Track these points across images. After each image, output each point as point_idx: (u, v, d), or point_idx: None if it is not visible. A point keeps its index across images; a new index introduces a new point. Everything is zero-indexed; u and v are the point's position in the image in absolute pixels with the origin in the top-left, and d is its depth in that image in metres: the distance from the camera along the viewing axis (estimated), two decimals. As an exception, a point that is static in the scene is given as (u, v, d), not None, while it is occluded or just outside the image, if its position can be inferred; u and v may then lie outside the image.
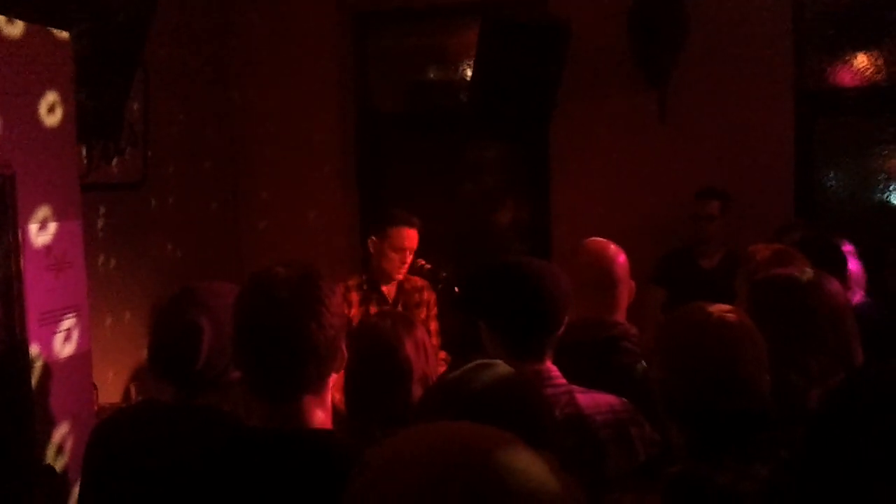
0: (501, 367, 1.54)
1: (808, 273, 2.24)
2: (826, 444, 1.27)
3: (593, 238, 2.73)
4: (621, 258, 2.65)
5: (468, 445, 0.82)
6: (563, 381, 2.14)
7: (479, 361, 1.54)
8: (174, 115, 4.52)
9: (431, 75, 5.41)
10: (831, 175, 4.98)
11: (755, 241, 3.22)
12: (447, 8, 5.09)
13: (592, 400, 2.12)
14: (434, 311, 4.09)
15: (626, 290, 2.64)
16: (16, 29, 2.41)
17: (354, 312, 3.91)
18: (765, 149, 4.76)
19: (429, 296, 4.10)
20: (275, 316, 1.69)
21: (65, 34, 2.64)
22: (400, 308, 4.00)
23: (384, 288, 4.04)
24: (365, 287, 4.02)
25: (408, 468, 0.80)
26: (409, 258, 3.98)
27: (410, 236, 3.95)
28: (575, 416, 2.07)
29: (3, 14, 2.38)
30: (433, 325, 4.04)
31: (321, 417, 1.74)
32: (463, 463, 0.80)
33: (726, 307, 1.90)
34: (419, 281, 4.10)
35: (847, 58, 4.81)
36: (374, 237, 4.02)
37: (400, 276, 4.02)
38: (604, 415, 2.11)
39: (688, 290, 3.73)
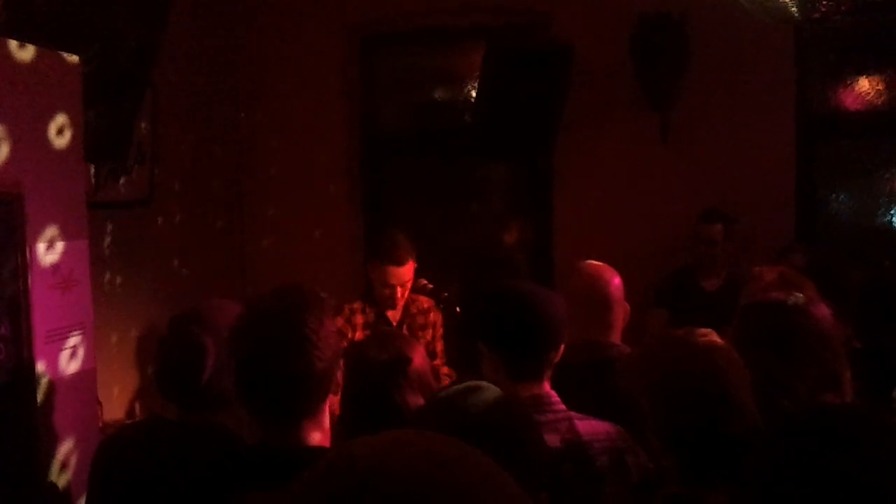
0: (491, 390, 1.57)
1: (797, 297, 2.27)
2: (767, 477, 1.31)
3: (588, 261, 2.76)
4: (616, 280, 2.68)
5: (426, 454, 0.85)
6: (563, 406, 2.17)
7: (469, 383, 1.57)
8: (182, 135, 4.57)
9: (436, 97, 5.46)
10: (832, 198, 5.00)
11: (756, 264, 3.24)
12: (452, 31, 5.15)
13: (591, 427, 2.15)
14: (440, 331, 3.99)
15: (621, 313, 2.67)
16: (27, 53, 2.46)
17: (359, 335, 3.83)
18: (766, 171, 4.79)
19: (435, 317, 4.02)
20: (270, 350, 1.73)
21: (75, 58, 2.70)
22: (405, 330, 3.90)
23: (389, 312, 3.96)
24: (367, 311, 3.95)
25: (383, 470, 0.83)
26: (403, 290, 3.86)
27: (396, 274, 3.80)
28: (575, 443, 2.09)
29: (14, 38, 2.44)
30: (439, 346, 4.01)
31: (318, 438, 1.77)
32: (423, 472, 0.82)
33: (707, 331, 1.93)
34: (425, 302, 4.04)
35: (848, 81, 4.84)
36: (367, 265, 3.96)
37: (399, 305, 3.92)
38: (602, 442, 2.13)
39: (690, 312, 3.75)
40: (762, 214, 4.73)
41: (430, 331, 4.03)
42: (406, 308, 3.99)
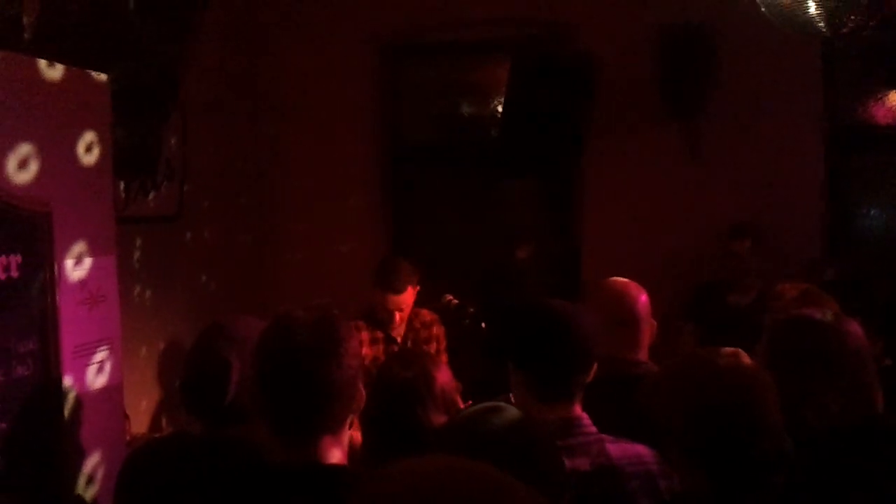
0: (511, 411, 1.56)
1: (829, 314, 2.24)
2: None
3: (614, 277, 2.75)
4: (643, 297, 2.66)
5: (457, 479, 0.86)
6: (594, 429, 2.13)
7: (489, 404, 1.56)
8: (210, 151, 4.61)
9: (462, 110, 5.47)
10: (863, 212, 4.95)
11: (787, 278, 3.22)
12: (477, 43, 5.16)
13: (622, 450, 2.11)
14: (444, 344, 4.13)
15: (647, 329, 2.64)
16: (56, 72, 2.49)
17: (366, 352, 3.94)
18: (795, 185, 4.75)
19: (438, 330, 4.14)
20: (296, 360, 1.72)
21: (103, 76, 2.72)
22: (409, 345, 4.05)
23: (392, 329, 4.09)
24: (372, 327, 4.07)
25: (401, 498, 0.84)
26: (402, 315, 4.02)
27: (393, 301, 3.96)
28: (606, 467, 2.06)
29: (43, 58, 2.47)
30: (443, 359, 4.05)
31: (338, 456, 1.77)
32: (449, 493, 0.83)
33: (734, 350, 1.91)
34: (428, 315, 4.15)
35: (877, 94, 4.79)
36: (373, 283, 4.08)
37: (398, 329, 4.07)
38: (634, 466, 2.09)
39: (720, 327, 3.72)
40: (792, 228, 4.69)
41: (434, 344, 4.13)
42: (409, 322, 4.12)
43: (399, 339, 4.10)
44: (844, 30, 2.54)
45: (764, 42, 4.49)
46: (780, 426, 1.82)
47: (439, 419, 2.08)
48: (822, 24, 2.58)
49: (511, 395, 2.22)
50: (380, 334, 4.08)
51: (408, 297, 4.00)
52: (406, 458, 0.91)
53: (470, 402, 2.23)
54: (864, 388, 2.12)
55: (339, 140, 5.32)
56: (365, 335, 4.02)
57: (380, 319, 4.06)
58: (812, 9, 2.62)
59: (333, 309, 1.82)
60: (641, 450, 2.14)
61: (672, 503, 2.07)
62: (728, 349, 1.89)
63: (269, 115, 5.30)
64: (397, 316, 4.01)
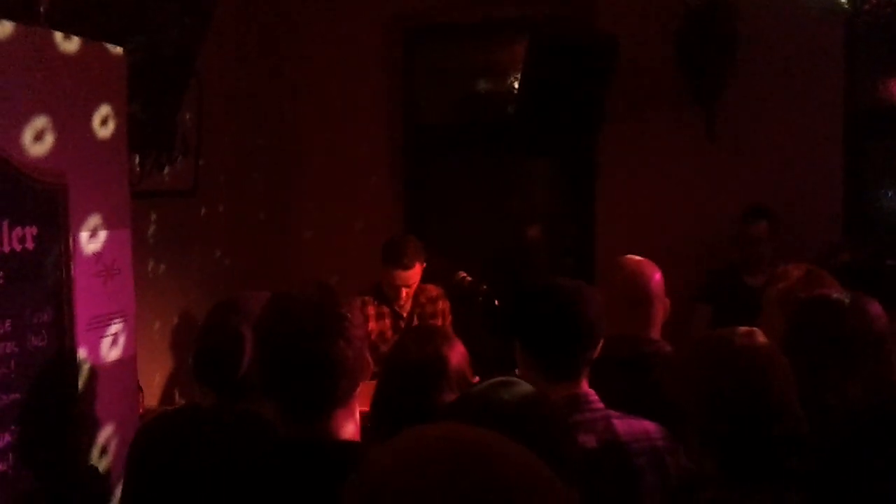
0: (522, 385, 1.56)
1: (850, 295, 2.23)
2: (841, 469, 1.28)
3: (629, 255, 2.74)
4: (657, 276, 2.65)
5: (463, 443, 0.86)
6: (601, 405, 2.13)
7: (500, 378, 1.56)
8: (226, 126, 4.61)
9: (479, 89, 5.45)
10: (881, 194, 4.91)
11: (803, 261, 3.19)
12: (495, 23, 5.13)
13: (629, 427, 2.11)
14: (449, 319, 4.18)
15: (661, 308, 2.64)
16: (72, 45, 2.49)
17: (372, 326, 4.02)
18: (813, 167, 4.71)
19: (443, 305, 4.20)
20: (303, 337, 1.70)
21: (119, 49, 2.72)
22: (416, 320, 4.13)
23: (397, 304, 4.17)
24: (378, 302, 4.14)
25: (408, 468, 0.84)
26: (408, 290, 4.11)
27: (401, 277, 4.05)
28: (613, 443, 2.06)
29: (60, 30, 2.47)
30: None
31: (351, 430, 1.77)
32: (459, 461, 0.83)
33: (751, 330, 1.89)
34: (433, 290, 4.22)
35: (898, 77, 4.74)
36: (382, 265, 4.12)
37: (404, 304, 4.16)
38: (640, 442, 2.10)
39: (734, 308, 3.70)
40: (809, 211, 4.66)
41: (440, 319, 4.19)
42: (415, 297, 4.20)
43: (405, 315, 4.14)
44: (867, 6, 2.51)
45: (786, 23, 4.44)
46: (795, 408, 1.81)
47: (453, 398, 2.08)
48: (844, 2, 2.55)
49: (516, 371, 2.22)
50: (386, 309, 4.14)
51: (415, 273, 4.07)
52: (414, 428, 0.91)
53: (477, 378, 2.23)
54: (885, 369, 2.10)
55: (355, 119, 5.31)
56: (371, 310, 4.07)
57: (386, 295, 4.10)
58: (835, -14, 2.59)
59: (330, 284, 1.80)
60: (648, 426, 2.14)
61: (685, 484, 2.06)
62: (744, 328, 1.88)
63: (287, 91, 5.30)
64: (404, 292, 4.07)
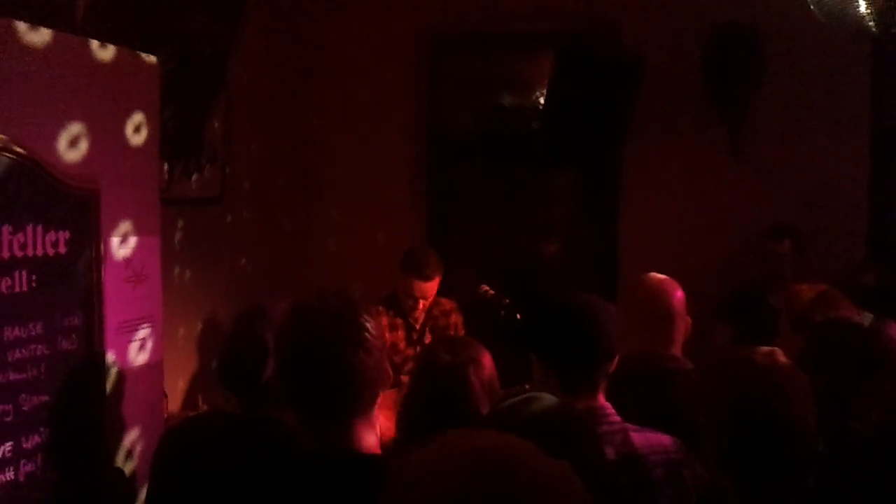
0: (548, 398, 1.57)
1: (869, 318, 2.23)
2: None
3: (651, 273, 2.75)
4: (678, 294, 2.66)
5: (492, 452, 0.87)
6: (618, 418, 2.15)
7: (528, 394, 1.57)
8: (253, 135, 4.65)
9: (503, 102, 5.45)
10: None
11: (826, 280, 3.18)
12: (521, 36, 5.15)
13: (646, 439, 2.13)
14: (462, 333, 4.16)
15: (682, 326, 2.65)
16: (107, 53, 2.54)
17: (386, 335, 4.02)
18: (838, 187, 4.69)
19: (456, 318, 4.19)
20: (322, 347, 1.71)
21: (152, 58, 2.77)
22: (428, 333, 4.13)
23: (411, 316, 4.16)
24: (392, 312, 4.13)
25: (436, 477, 0.85)
26: (425, 302, 4.10)
27: (421, 288, 4.03)
28: (630, 456, 2.08)
29: (96, 39, 2.52)
30: None
31: (371, 441, 1.77)
32: (486, 469, 0.85)
33: (772, 349, 1.90)
34: (447, 304, 4.21)
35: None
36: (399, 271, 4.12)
37: (419, 316, 4.16)
38: (658, 455, 2.11)
39: (756, 327, 3.69)
40: (833, 231, 4.63)
41: (452, 332, 4.17)
42: (429, 310, 4.18)
43: (417, 327, 4.14)
44: (894, 29, 2.52)
45: (812, 41, 4.43)
46: (813, 428, 1.81)
47: (483, 406, 2.10)
48: (871, 23, 2.56)
49: (527, 386, 2.23)
50: (399, 321, 4.14)
51: (434, 285, 4.06)
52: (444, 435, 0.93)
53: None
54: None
55: (380, 129, 5.34)
56: (385, 320, 4.06)
57: (402, 305, 4.11)
58: (862, 7, 2.60)
59: (351, 293, 1.81)
60: (664, 439, 2.15)
61: (702, 496, 2.07)
62: (765, 348, 1.89)
63: (313, 102, 5.34)
64: (420, 303, 4.07)
